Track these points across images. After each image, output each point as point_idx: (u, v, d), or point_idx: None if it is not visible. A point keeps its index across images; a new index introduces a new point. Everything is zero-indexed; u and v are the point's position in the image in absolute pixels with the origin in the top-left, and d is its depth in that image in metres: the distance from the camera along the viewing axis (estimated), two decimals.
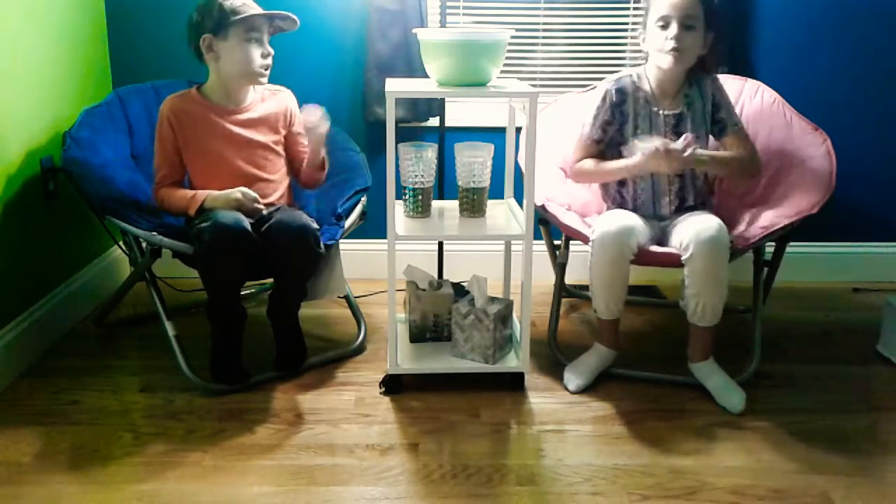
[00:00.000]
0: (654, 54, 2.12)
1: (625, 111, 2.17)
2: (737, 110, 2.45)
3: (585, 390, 2.09)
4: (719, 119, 2.18)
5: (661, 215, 2.18)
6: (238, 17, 2.04)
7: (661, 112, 2.15)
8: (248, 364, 2.09)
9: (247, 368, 2.08)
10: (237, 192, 2.06)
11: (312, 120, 2.09)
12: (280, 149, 2.23)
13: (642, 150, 2.01)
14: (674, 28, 2.05)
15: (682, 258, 1.97)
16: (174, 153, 2.14)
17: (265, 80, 2.13)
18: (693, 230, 1.96)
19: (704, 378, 2.07)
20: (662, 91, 2.16)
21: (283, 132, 2.24)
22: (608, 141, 2.20)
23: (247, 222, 1.97)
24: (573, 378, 2.11)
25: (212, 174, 2.14)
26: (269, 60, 2.11)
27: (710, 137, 2.21)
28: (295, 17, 2.13)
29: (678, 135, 2.11)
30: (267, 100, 2.22)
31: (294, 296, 2.13)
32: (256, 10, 2.07)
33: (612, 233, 1.98)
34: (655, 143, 2.00)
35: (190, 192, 2.10)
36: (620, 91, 2.17)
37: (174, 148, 2.14)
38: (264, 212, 2.10)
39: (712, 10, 2.09)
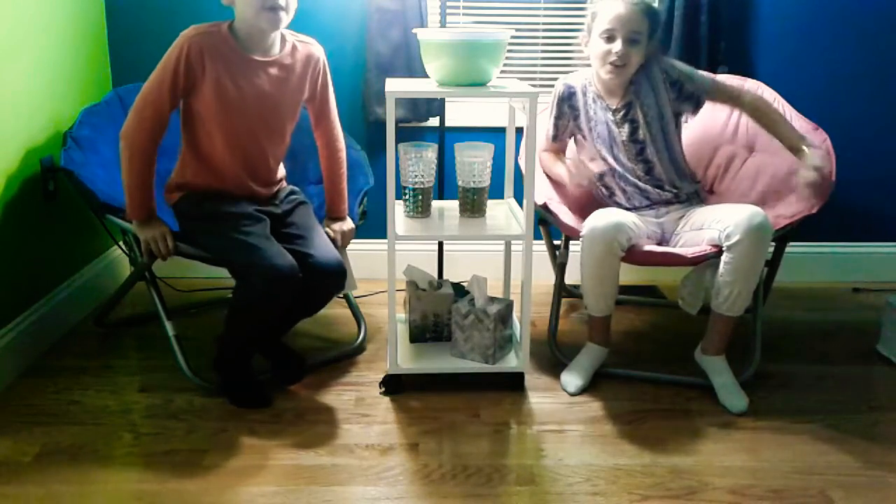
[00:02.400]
0: (595, 62, 2.12)
1: (574, 104, 2.22)
2: (737, 110, 2.44)
3: (585, 390, 2.09)
4: (689, 93, 2.15)
5: (657, 209, 2.19)
6: None
7: (610, 106, 2.16)
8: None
9: (267, 390, 2.04)
10: (156, 240, 1.94)
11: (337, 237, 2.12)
12: (297, 116, 2.08)
13: (575, 173, 2.12)
14: (619, 43, 2.04)
15: (725, 245, 1.94)
16: (172, 98, 1.89)
17: (282, 19, 1.88)
18: (740, 216, 1.93)
19: (713, 373, 2.07)
20: (609, 91, 2.17)
21: (308, 93, 2.07)
22: (567, 133, 2.27)
23: (293, 262, 1.89)
24: (571, 380, 2.11)
25: (216, 136, 1.95)
26: (284, 2, 1.85)
27: (686, 115, 2.20)
28: None
29: (630, 122, 2.14)
30: (297, 51, 2.01)
31: (294, 323, 2.12)
32: None
33: (600, 228, 1.98)
34: (593, 169, 2.16)
35: (143, 201, 1.95)
36: (569, 86, 2.22)
37: (175, 93, 1.88)
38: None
39: (657, 20, 2.11)
